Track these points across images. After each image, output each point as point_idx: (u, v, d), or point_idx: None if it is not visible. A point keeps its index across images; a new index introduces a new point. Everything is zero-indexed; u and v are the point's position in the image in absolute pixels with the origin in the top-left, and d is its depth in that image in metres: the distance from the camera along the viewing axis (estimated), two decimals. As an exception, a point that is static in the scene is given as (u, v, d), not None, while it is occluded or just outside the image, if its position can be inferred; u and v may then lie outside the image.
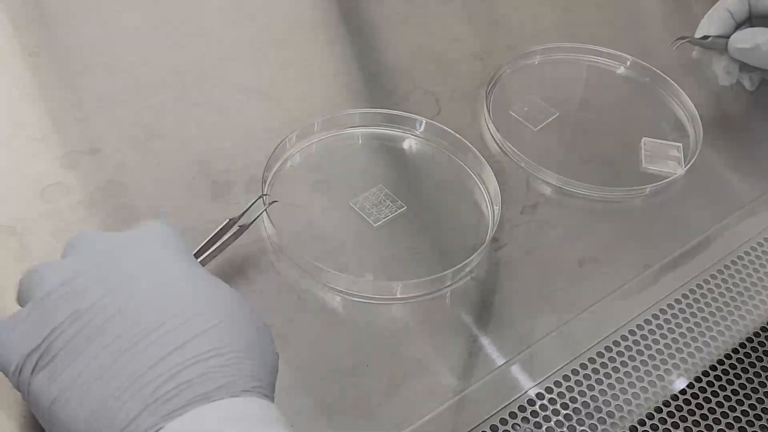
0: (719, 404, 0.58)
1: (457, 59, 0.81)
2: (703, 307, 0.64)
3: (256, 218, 0.60)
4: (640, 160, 0.74)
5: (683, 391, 0.58)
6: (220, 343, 0.44)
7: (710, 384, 0.59)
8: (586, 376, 0.58)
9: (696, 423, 0.57)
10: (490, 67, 0.78)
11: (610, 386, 0.58)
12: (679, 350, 0.61)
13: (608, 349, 0.60)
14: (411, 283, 0.60)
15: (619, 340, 0.60)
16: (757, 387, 0.59)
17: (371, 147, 0.72)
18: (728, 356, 0.61)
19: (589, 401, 0.57)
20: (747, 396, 0.59)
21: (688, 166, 0.72)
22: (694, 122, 0.77)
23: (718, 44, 0.75)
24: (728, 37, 0.74)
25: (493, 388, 0.57)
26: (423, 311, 0.61)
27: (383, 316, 0.60)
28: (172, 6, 0.81)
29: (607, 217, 0.69)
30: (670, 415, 0.57)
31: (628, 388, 0.58)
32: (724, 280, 0.65)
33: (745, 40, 0.73)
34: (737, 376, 0.60)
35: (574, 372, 0.58)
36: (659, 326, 0.62)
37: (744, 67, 0.77)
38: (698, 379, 0.59)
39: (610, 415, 0.56)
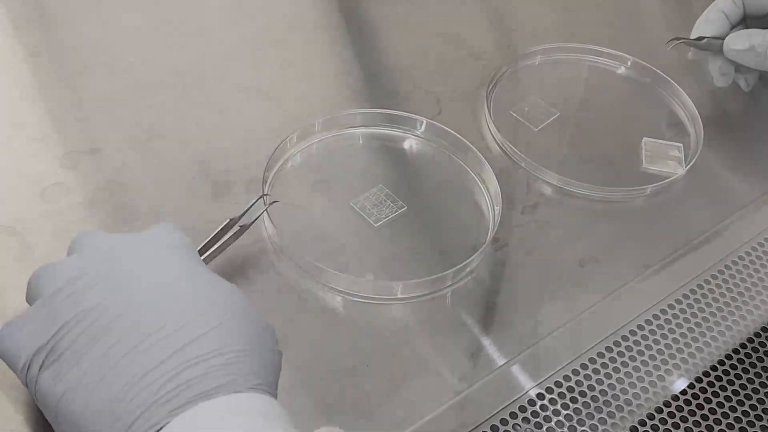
0: (720, 405, 0.58)
1: (457, 59, 0.81)
2: (704, 307, 0.63)
3: (256, 218, 0.60)
4: (641, 160, 0.74)
5: (683, 392, 0.58)
6: (220, 343, 0.44)
7: (710, 385, 0.59)
8: (587, 377, 0.58)
9: (696, 423, 0.57)
10: (490, 68, 0.78)
11: (611, 386, 0.58)
12: (679, 350, 0.60)
13: (609, 349, 0.60)
14: (411, 283, 0.60)
15: (620, 340, 0.60)
16: (758, 388, 0.59)
17: (372, 147, 0.72)
18: (729, 357, 0.61)
19: (589, 401, 0.57)
20: (747, 397, 0.59)
21: (688, 167, 0.72)
22: (695, 122, 0.77)
23: (713, 45, 0.75)
24: (723, 38, 0.74)
25: (494, 388, 0.57)
26: (423, 311, 0.61)
27: (384, 316, 0.60)
28: (172, 6, 0.81)
29: (607, 217, 0.69)
30: (671, 415, 0.57)
31: (628, 388, 0.58)
32: (725, 281, 0.65)
33: (740, 41, 0.73)
34: (738, 377, 0.60)
35: (575, 372, 0.58)
36: (660, 326, 0.62)
37: (739, 68, 0.76)
38: (698, 380, 0.59)
39: (611, 415, 0.56)
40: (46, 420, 0.46)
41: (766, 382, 0.60)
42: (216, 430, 0.41)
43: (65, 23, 0.78)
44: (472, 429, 0.54)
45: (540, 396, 0.57)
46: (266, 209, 0.61)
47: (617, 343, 0.60)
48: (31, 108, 0.69)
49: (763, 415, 0.58)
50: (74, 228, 0.60)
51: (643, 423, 0.56)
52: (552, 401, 0.56)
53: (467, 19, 0.86)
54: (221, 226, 0.58)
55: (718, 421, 0.57)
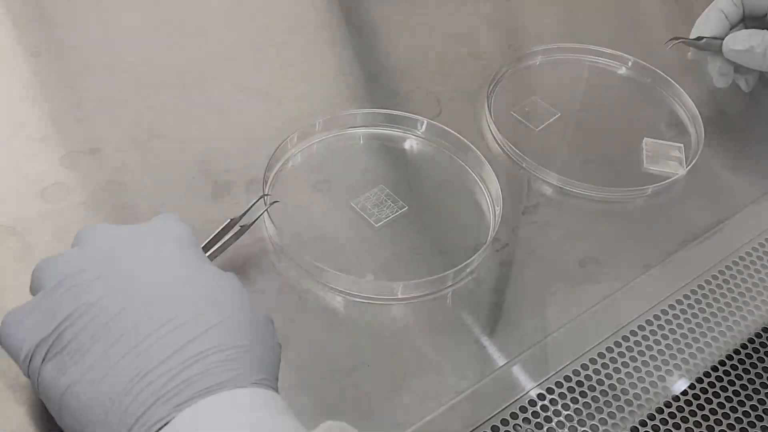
0: (720, 406, 0.58)
1: (458, 59, 0.81)
2: (705, 308, 0.63)
3: (257, 218, 0.60)
4: (642, 161, 0.74)
5: (684, 393, 0.58)
6: (221, 340, 0.44)
7: (711, 385, 0.59)
8: (588, 377, 0.58)
9: (697, 424, 0.57)
10: (491, 68, 0.78)
11: (612, 387, 0.58)
12: (680, 351, 0.60)
13: (609, 349, 0.60)
14: (412, 284, 0.60)
15: (621, 340, 0.60)
16: (759, 388, 0.59)
17: (372, 147, 0.72)
18: (729, 357, 0.61)
19: (590, 402, 0.57)
20: (748, 397, 0.59)
21: (689, 167, 0.72)
22: (696, 122, 0.77)
23: (712, 45, 0.75)
24: (722, 38, 0.74)
25: (494, 388, 0.57)
26: (424, 311, 0.61)
27: (384, 316, 0.60)
28: (172, 6, 0.81)
29: (608, 217, 0.69)
30: (671, 416, 0.57)
31: (629, 388, 0.58)
32: (726, 281, 0.65)
33: (739, 42, 0.73)
34: (738, 378, 0.60)
35: (575, 372, 0.58)
36: (660, 327, 0.62)
37: (739, 68, 0.76)
38: (699, 381, 0.59)
39: (612, 415, 0.56)
40: (46, 418, 0.46)
41: (766, 382, 0.60)
42: (220, 425, 0.42)
43: (65, 23, 0.78)
44: (473, 429, 0.54)
45: (541, 396, 0.56)
46: (267, 209, 0.61)
47: (618, 344, 0.60)
48: (32, 108, 0.69)
49: (763, 415, 0.58)
50: (74, 228, 0.59)
51: (643, 423, 0.56)
52: (553, 401, 0.56)
53: (468, 19, 0.86)
54: (222, 226, 0.58)
55: (718, 422, 0.57)
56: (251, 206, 0.60)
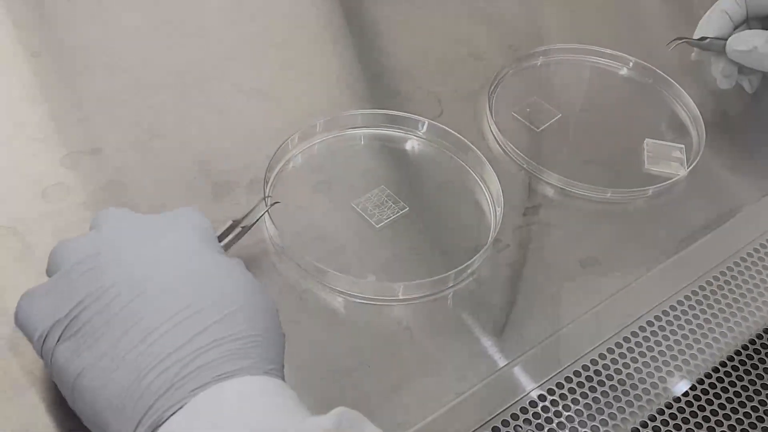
0: (721, 407, 0.58)
1: (459, 60, 0.81)
2: (706, 309, 0.63)
3: (258, 219, 0.60)
4: (643, 162, 0.74)
5: (686, 394, 0.58)
6: (235, 329, 0.45)
7: (713, 386, 0.59)
8: (588, 378, 0.58)
9: (698, 425, 0.57)
10: (492, 68, 0.78)
11: (613, 388, 0.58)
12: (681, 352, 0.60)
13: (610, 350, 0.60)
14: (413, 284, 0.60)
15: (621, 341, 0.60)
16: (759, 390, 0.59)
17: (373, 148, 0.72)
18: (731, 358, 0.61)
19: (591, 403, 0.57)
20: (749, 398, 0.59)
21: (690, 167, 0.72)
22: (697, 123, 0.77)
23: (716, 45, 0.75)
24: (726, 39, 0.74)
25: (495, 389, 0.57)
26: (425, 312, 0.60)
27: (385, 316, 0.60)
28: (172, 6, 0.81)
29: (609, 218, 0.69)
30: (673, 417, 0.57)
31: (630, 389, 0.58)
32: (727, 282, 0.65)
33: (743, 42, 0.73)
34: (740, 378, 0.60)
35: (576, 374, 0.58)
36: (661, 328, 0.61)
37: (743, 69, 0.76)
38: (701, 382, 0.59)
39: (612, 416, 0.56)
40: (47, 419, 0.46)
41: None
42: (234, 410, 0.42)
43: (66, 24, 0.78)
44: (474, 430, 0.54)
45: (541, 397, 0.56)
46: (267, 210, 0.61)
47: (619, 345, 0.60)
48: (32, 108, 0.69)
49: (764, 417, 0.58)
50: (75, 228, 0.60)
51: (644, 425, 0.56)
52: (553, 402, 0.56)
53: (468, 19, 0.86)
54: (224, 229, 0.58)
55: (719, 423, 0.57)
56: (253, 208, 0.60)
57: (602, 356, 0.59)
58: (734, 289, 0.65)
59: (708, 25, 0.75)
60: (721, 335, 0.62)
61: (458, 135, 0.71)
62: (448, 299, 0.61)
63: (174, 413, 0.42)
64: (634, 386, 0.58)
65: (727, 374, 0.60)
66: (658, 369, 0.59)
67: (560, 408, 0.56)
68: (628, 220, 0.70)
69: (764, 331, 0.63)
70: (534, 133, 0.75)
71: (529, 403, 0.56)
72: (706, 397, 0.58)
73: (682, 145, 0.75)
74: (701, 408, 0.58)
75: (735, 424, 0.57)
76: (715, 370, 0.60)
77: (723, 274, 0.66)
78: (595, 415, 0.56)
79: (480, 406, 0.56)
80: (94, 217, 0.52)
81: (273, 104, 0.73)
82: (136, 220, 0.51)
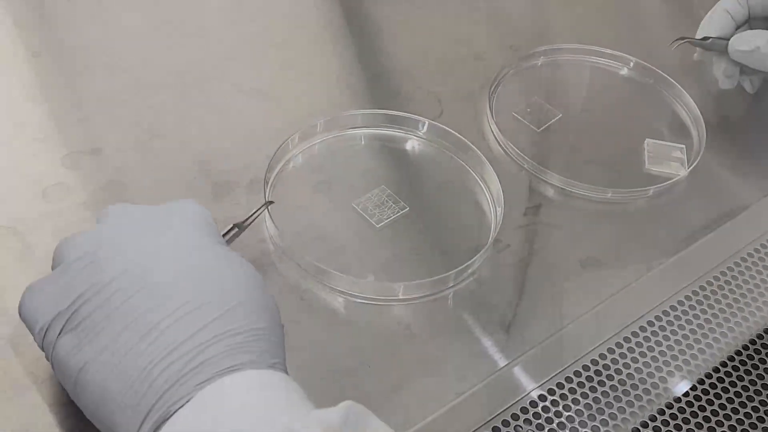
0: (722, 407, 0.58)
1: (459, 60, 0.81)
2: (706, 309, 0.63)
3: (253, 220, 0.60)
4: (644, 162, 0.74)
5: (686, 394, 0.58)
6: (238, 323, 0.45)
7: (713, 386, 0.59)
8: (589, 378, 0.58)
9: (699, 425, 0.57)
10: (492, 68, 0.78)
11: (613, 388, 0.57)
12: (681, 352, 0.60)
13: (611, 351, 0.60)
14: (413, 284, 0.60)
15: (622, 341, 0.60)
16: (760, 389, 0.59)
17: (374, 148, 0.72)
18: (731, 358, 0.61)
19: (591, 403, 0.57)
20: (750, 399, 0.58)
21: (691, 168, 0.72)
22: (697, 123, 0.77)
23: (718, 45, 0.75)
24: (728, 39, 0.74)
25: (495, 389, 0.57)
26: (425, 312, 0.60)
27: (385, 316, 0.60)
28: (172, 6, 0.81)
29: (609, 218, 0.69)
30: (673, 417, 0.57)
31: (630, 390, 0.58)
32: (728, 282, 0.65)
33: (745, 42, 0.73)
34: (740, 379, 0.59)
35: (577, 374, 0.58)
36: (662, 328, 0.61)
37: (744, 69, 0.76)
38: (701, 382, 0.59)
39: (613, 417, 0.56)
40: (47, 419, 0.46)
41: (768, 384, 0.60)
42: (239, 403, 0.42)
43: (66, 24, 0.78)
44: (474, 430, 0.54)
45: (542, 397, 0.56)
46: (261, 211, 0.61)
47: (619, 345, 0.60)
48: (33, 108, 0.69)
49: (766, 416, 0.58)
50: (75, 228, 0.59)
51: (645, 425, 0.56)
52: (554, 403, 0.56)
53: (469, 19, 0.86)
54: (224, 231, 0.58)
55: (720, 424, 0.57)
56: (255, 213, 0.60)
57: (602, 356, 0.59)
58: (735, 289, 0.65)
59: (710, 25, 0.75)
60: (722, 335, 0.62)
61: (458, 135, 0.71)
62: (448, 299, 0.61)
63: (180, 407, 0.42)
64: (634, 386, 0.58)
65: (728, 374, 0.60)
66: (658, 369, 0.59)
67: (560, 408, 0.56)
68: (629, 220, 0.70)
69: (765, 332, 0.63)
70: (534, 133, 0.75)
71: (530, 403, 0.56)
72: (706, 397, 0.58)
73: (683, 146, 0.75)
74: (701, 408, 0.57)
75: (735, 424, 0.57)
76: (716, 370, 0.60)
77: (723, 274, 0.66)
78: (596, 415, 0.56)
79: (480, 406, 0.55)
80: (101, 212, 0.52)
81: (273, 104, 0.73)
82: (138, 214, 0.51)
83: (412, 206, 0.66)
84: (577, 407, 0.56)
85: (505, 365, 0.58)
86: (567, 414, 0.56)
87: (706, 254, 0.67)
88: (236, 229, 0.59)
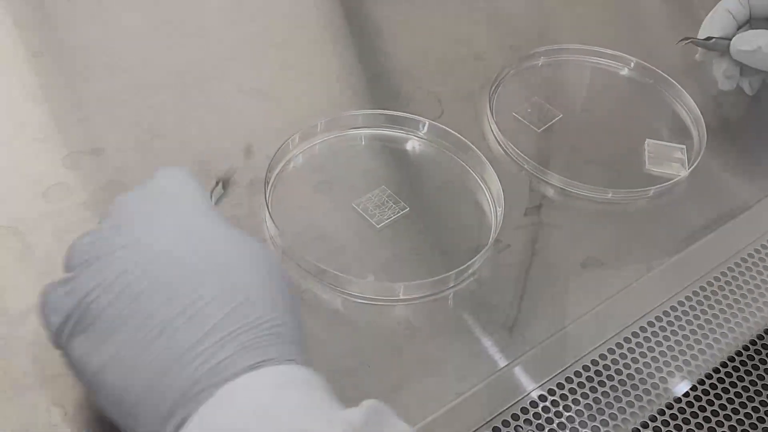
0: (722, 407, 0.58)
1: (459, 60, 0.81)
2: (707, 309, 0.63)
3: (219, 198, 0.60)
4: (644, 162, 0.74)
5: (686, 394, 0.58)
6: (254, 315, 0.44)
7: (713, 387, 0.59)
8: (589, 378, 0.58)
9: (699, 426, 0.57)
10: (493, 69, 0.78)
11: (613, 388, 0.57)
12: (682, 353, 0.60)
13: (611, 351, 0.60)
14: (414, 285, 0.60)
15: (622, 342, 0.60)
16: (761, 390, 0.59)
17: (374, 148, 0.72)
18: (731, 359, 0.61)
19: (591, 403, 0.57)
20: (750, 399, 0.58)
21: (691, 168, 0.72)
22: (698, 124, 0.76)
23: (720, 45, 0.75)
24: (730, 39, 0.74)
25: (496, 389, 0.57)
26: (425, 312, 0.60)
27: (385, 317, 0.60)
28: (172, 6, 0.81)
29: (610, 218, 0.69)
30: (673, 417, 0.57)
31: (630, 390, 0.58)
32: (728, 283, 0.65)
33: (747, 42, 0.73)
34: (741, 379, 0.59)
35: (577, 374, 0.58)
36: (662, 328, 0.61)
37: (744, 71, 0.76)
38: (701, 382, 0.59)
39: (613, 417, 0.56)
40: (47, 419, 0.46)
41: (769, 384, 0.60)
42: (260, 404, 0.42)
43: (66, 24, 0.78)
44: (474, 430, 0.54)
45: (542, 398, 0.56)
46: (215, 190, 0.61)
47: (620, 345, 0.60)
48: (33, 108, 0.69)
49: (765, 417, 0.58)
50: (75, 228, 0.60)
51: (645, 425, 0.56)
52: (554, 403, 0.56)
53: (469, 19, 0.86)
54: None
55: (720, 424, 0.57)
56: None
57: (603, 357, 0.59)
58: (735, 289, 0.65)
59: (712, 25, 0.75)
60: (722, 336, 0.62)
61: (459, 135, 0.71)
62: (448, 299, 0.61)
63: (201, 406, 0.42)
64: (634, 387, 0.58)
65: (728, 375, 0.60)
66: (658, 369, 0.59)
67: (561, 408, 0.56)
68: (629, 220, 0.69)
69: (765, 332, 0.63)
70: (535, 133, 0.75)
71: (530, 403, 0.56)
72: (706, 397, 0.58)
73: (683, 146, 0.75)
74: (702, 409, 0.57)
75: (735, 425, 0.57)
76: (716, 370, 0.60)
77: (724, 274, 0.66)
78: (596, 415, 0.56)
79: (480, 406, 0.55)
80: (102, 214, 0.51)
81: (273, 104, 0.73)
82: (134, 206, 0.50)
83: (412, 206, 0.66)
84: (578, 407, 0.56)
85: (506, 365, 0.58)
86: (567, 414, 0.56)
87: (707, 255, 0.67)
88: (219, 186, 0.59)
